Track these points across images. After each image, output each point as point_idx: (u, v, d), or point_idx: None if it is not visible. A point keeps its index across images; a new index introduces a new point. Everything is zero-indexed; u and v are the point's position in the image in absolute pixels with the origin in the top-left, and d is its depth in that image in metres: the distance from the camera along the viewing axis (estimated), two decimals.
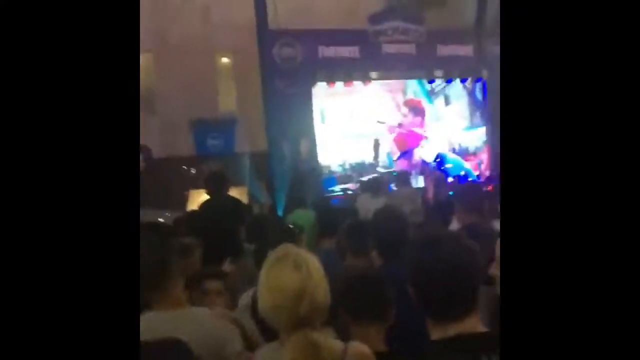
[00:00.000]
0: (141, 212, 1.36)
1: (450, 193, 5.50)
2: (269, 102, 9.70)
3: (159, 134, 10.43)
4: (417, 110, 12.43)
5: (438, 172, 9.87)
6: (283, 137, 9.65)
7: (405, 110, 12.43)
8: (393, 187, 8.04)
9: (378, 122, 12.11)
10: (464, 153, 11.96)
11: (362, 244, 2.81)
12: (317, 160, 10.20)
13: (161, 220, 6.20)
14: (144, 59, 9.88)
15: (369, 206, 5.40)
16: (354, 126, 12.08)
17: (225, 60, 11.80)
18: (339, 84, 10.41)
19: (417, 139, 12.24)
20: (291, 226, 3.87)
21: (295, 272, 1.66)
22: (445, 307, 1.52)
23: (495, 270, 1.80)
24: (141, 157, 7.67)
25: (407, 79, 11.78)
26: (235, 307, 2.91)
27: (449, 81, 11.51)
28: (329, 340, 1.70)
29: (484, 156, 11.54)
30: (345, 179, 11.20)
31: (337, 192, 10.42)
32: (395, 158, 12.08)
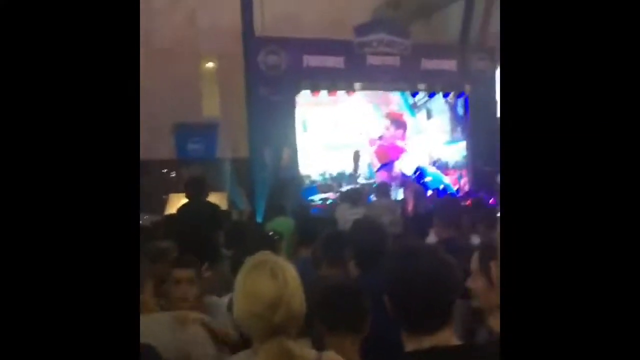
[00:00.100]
0: None
1: (430, 206, 5.53)
2: (253, 108, 9.69)
3: (141, 136, 10.33)
4: (398, 123, 12.50)
5: (418, 185, 9.92)
6: (265, 145, 9.63)
7: (387, 122, 12.50)
8: (372, 198, 8.06)
9: (360, 134, 12.17)
10: (443, 167, 12.04)
11: (338, 254, 2.81)
12: (298, 169, 10.19)
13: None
14: None
15: (347, 216, 5.41)
16: (336, 136, 12.11)
17: (210, 65, 11.77)
18: (323, 94, 10.43)
19: (397, 151, 12.30)
20: (270, 233, 3.86)
21: (272, 280, 1.65)
22: (420, 319, 1.52)
23: (471, 283, 1.82)
24: None
25: (390, 91, 11.84)
26: (208, 295, 2.89)
27: (431, 95, 11.60)
28: (302, 349, 1.69)
29: (464, 171, 11.63)
30: (326, 188, 11.19)
31: (317, 201, 10.41)
32: (375, 170, 12.13)
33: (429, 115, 12.53)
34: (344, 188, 9.60)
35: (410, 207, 7.61)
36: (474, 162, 11.28)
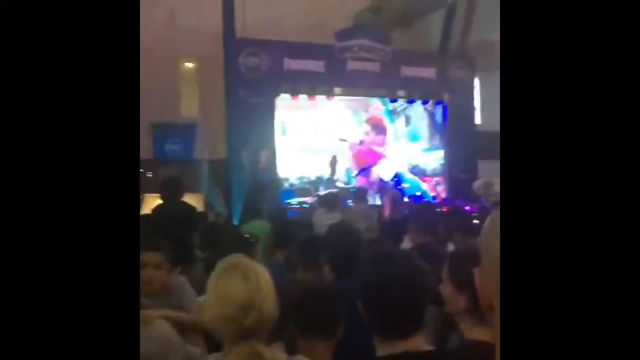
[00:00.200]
0: None
1: (407, 212, 5.56)
2: (232, 110, 9.66)
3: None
4: (379, 128, 12.56)
5: (395, 191, 9.96)
6: (243, 147, 9.60)
7: (367, 127, 12.55)
8: (350, 203, 8.07)
9: (340, 139, 12.19)
10: (421, 174, 12.13)
11: (314, 258, 2.80)
12: (276, 172, 10.17)
13: None
14: None
15: (323, 221, 5.41)
16: (315, 140, 12.12)
17: (189, 65, 11.69)
18: (303, 97, 10.44)
19: (376, 157, 12.35)
20: (246, 236, 3.84)
21: (244, 282, 1.64)
22: (393, 324, 1.53)
23: (442, 289, 1.82)
24: None
25: (370, 96, 11.90)
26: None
27: (410, 102, 11.68)
28: (273, 353, 1.68)
29: (441, 178, 11.72)
30: (303, 192, 11.19)
31: (294, 204, 10.40)
32: (353, 175, 12.16)
33: (407, 122, 12.61)
34: (322, 192, 9.60)
35: (387, 212, 7.64)
36: (451, 169, 11.38)
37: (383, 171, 12.12)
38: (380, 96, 11.80)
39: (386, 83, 10.81)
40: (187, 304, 2.75)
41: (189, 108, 11.31)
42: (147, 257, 2.62)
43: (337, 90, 10.57)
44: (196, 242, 4.63)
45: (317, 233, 3.79)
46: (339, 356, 2.03)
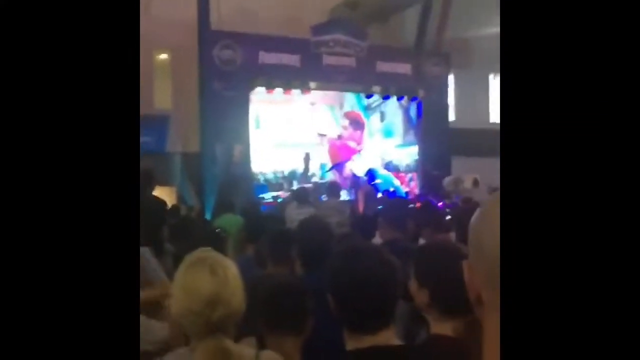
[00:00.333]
0: None
1: (379, 208, 5.58)
2: (205, 103, 9.57)
3: None
4: (357, 123, 12.59)
5: (369, 187, 10.01)
6: (217, 140, 9.53)
7: (345, 122, 12.56)
8: (323, 197, 8.08)
9: (319, 134, 12.18)
10: (395, 169, 12.19)
11: (284, 253, 2.79)
12: (250, 166, 10.12)
13: None
14: None
15: (294, 216, 5.39)
16: (290, 134, 12.09)
17: (163, 56, 11.55)
18: (278, 91, 10.40)
19: (349, 152, 12.38)
20: (217, 230, 3.80)
21: (211, 277, 1.61)
22: (363, 319, 1.53)
23: (410, 284, 1.83)
24: None
25: (345, 91, 11.91)
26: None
27: (385, 97, 11.72)
28: (240, 347, 1.66)
29: (415, 174, 11.80)
30: (277, 186, 11.18)
31: (267, 199, 10.37)
32: (327, 169, 12.18)
33: (382, 118, 12.66)
34: (295, 187, 9.59)
35: (360, 208, 7.67)
36: (424, 165, 11.47)
37: (356, 166, 12.15)
38: (356, 91, 11.83)
39: (361, 78, 10.84)
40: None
41: (162, 100, 11.18)
42: None
43: (312, 84, 10.55)
44: (166, 236, 4.58)
45: (288, 228, 3.77)
46: (308, 351, 2.02)
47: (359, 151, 12.46)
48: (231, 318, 1.63)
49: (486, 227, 0.80)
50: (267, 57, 10.04)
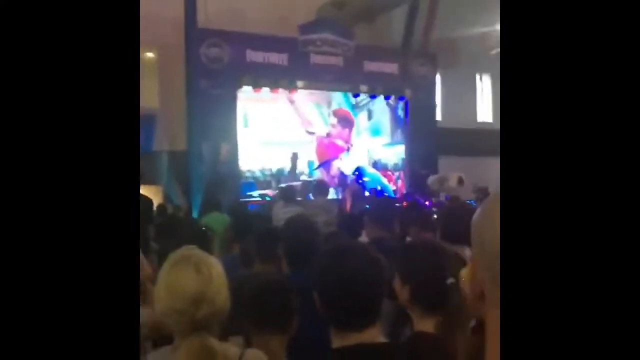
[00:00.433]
0: None
1: (366, 206, 5.59)
2: (192, 101, 9.53)
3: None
4: (346, 120, 12.59)
5: (356, 185, 10.02)
6: (204, 138, 9.49)
7: (334, 120, 12.56)
8: (311, 196, 8.07)
9: (307, 132, 12.17)
10: (382, 168, 12.22)
11: (271, 251, 2.78)
12: (237, 165, 10.09)
13: None
14: None
15: (281, 214, 5.38)
16: (277, 133, 12.06)
17: (149, 55, 11.47)
18: (265, 90, 10.38)
19: (337, 150, 12.38)
20: (203, 229, 3.79)
21: (196, 275, 1.60)
22: (349, 316, 1.53)
23: (395, 283, 1.83)
24: None
25: (333, 90, 11.91)
26: None
27: (373, 97, 11.74)
28: (224, 346, 1.65)
29: (402, 173, 11.83)
30: (265, 185, 11.15)
31: (255, 197, 10.35)
32: (314, 167, 12.17)
33: (370, 117, 12.68)
34: (282, 185, 9.57)
35: (348, 206, 7.67)
36: (411, 164, 11.50)
37: (344, 165, 12.16)
38: (344, 90, 11.84)
39: (349, 77, 10.85)
40: None
41: (149, 98, 11.08)
42: None
43: (299, 83, 10.54)
44: (152, 234, 4.57)
45: (273, 226, 3.77)
46: (293, 349, 2.02)
47: (347, 149, 12.46)
48: (216, 316, 1.62)
49: (488, 224, 0.81)
50: (254, 56, 10.02)
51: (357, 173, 11.45)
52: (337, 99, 12.63)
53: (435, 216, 4.72)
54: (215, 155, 9.50)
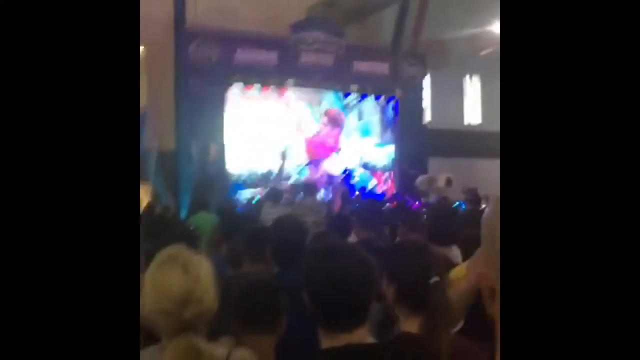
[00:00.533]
0: None
1: (356, 206, 5.59)
2: (181, 100, 9.48)
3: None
4: (336, 121, 12.57)
5: (345, 186, 10.03)
6: (193, 138, 9.45)
7: (324, 120, 12.53)
8: (300, 197, 8.06)
9: (297, 131, 12.13)
10: (372, 169, 12.22)
11: (259, 251, 2.78)
12: (226, 164, 10.05)
13: None
14: None
15: (269, 215, 5.38)
16: (267, 133, 12.02)
17: None
18: (255, 89, 10.34)
19: (327, 150, 12.36)
20: (192, 228, 3.77)
21: (183, 274, 1.59)
22: (338, 316, 1.52)
23: (384, 286, 1.84)
24: None
25: (323, 89, 11.89)
26: None
27: (363, 96, 11.74)
28: (211, 346, 1.64)
29: (391, 173, 11.85)
30: (253, 185, 11.11)
31: (243, 198, 10.31)
32: (303, 165, 12.14)
33: (360, 117, 12.68)
34: (271, 186, 9.55)
35: (337, 207, 7.68)
36: (401, 165, 11.52)
37: (333, 165, 12.15)
38: (334, 89, 11.81)
39: (339, 77, 10.85)
40: None
41: None
42: None
43: (290, 82, 10.51)
44: (140, 234, 4.53)
45: (261, 226, 3.76)
46: (282, 350, 2.01)
47: (337, 150, 12.45)
48: (203, 316, 1.60)
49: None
50: (244, 55, 9.98)
51: (346, 173, 11.45)
52: (328, 99, 12.61)
53: (425, 217, 4.73)
54: (204, 155, 9.47)
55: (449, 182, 9.25)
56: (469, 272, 2.22)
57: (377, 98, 11.69)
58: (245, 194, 10.51)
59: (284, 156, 11.30)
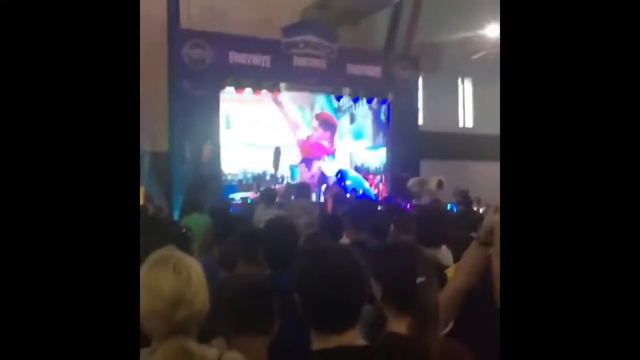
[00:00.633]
0: None
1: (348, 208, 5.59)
2: (175, 102, 9.46)
3: None
4: (327, 124, 12.59)
5: (338, 188, 10.03)
6: (186, 140, 9.43)
7: (315, 123, 12.55)
8: (292, 198, 8.05)
9: (289, 132, 12.14)
10: (365, 171, 12.24)
11: (253, 253, 2.77)
12: (219, 166, 10.04)
13: None
14: None
15: (262, 217, 5.37)
16: (259, 135, 12.03)
17: None
18: (248, 91, 10.34)
19: (321, 151, 12.38)
20: (183, 230, 3.76)
21: (175, 276, 1.58)
22: (329, 318, 1.52)
23: (373, 289, 1.84)
24: None
25: (315, 93, 11.91)
26: None
27: (355, 100, 11.75)
28: (202, 348, 1.63)
29: (383, 176, 11.86)
30: (246, 187, 11.10)
31: (236, 199, 10.30)
32: (296, 162, 12.14)
33: (352, 120, 12.70)
34: (263, 187, 9.54)
35: (329, 209, 7.67)
36: (393, 168, 11.53)
37: (326, 166, 12.16)
38: (326, 93, 11.84)
39: (332, 80, 10.85)
40: None
41: None
42: None
43: (282, 85, 10.52)
44: None
45: (254, 228, 3.76)
46: (274, 352, 2.01)
47: (332, 152, 12.47)
48: (194, 318, 1.60)
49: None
50: (237, 57, 9.98)
51: (339, 175, 11.46)
52: (320, 102, 12.63)
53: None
54: (197, 157, 9.44)
55: (440, 184, 9.25)
56: (457, 273, 2.23)
57: (369, 101, 11.71)
58: (238, 196, 10.50)
59: (277, 154, 11.27)
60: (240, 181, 11.35)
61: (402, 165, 11.30)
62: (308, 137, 12.41)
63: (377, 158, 12.10)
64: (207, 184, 9.08)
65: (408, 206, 8.32)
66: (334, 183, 10.98)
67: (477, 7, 11.38)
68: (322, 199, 9.88)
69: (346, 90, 11.13)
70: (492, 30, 11.47)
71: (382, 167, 11.94)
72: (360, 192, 11.03)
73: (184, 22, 9.54)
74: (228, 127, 11.30)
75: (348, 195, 9.69)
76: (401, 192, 10.24)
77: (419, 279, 1.74)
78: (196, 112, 9.35)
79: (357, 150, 12.60)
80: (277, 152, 11.24)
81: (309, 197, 7.70)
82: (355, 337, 1.54)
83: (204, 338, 1.73)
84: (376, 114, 12.04)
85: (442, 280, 2.22)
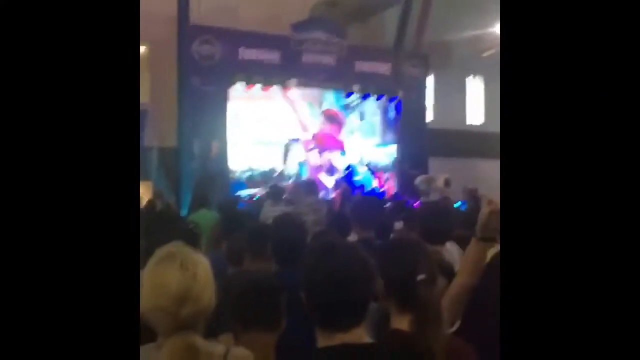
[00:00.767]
0: None
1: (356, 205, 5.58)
2: (184, 98, 9.48)
3: None
4: (333, 119, 12.55)
5: (346, 184, 10.02)
6: (194, 136, 9.45)
7: (322, 119, 12.53)
8: (300, 195, 8.05)
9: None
10: (373, 168, 12.22)
11: (261, 249, 2.78)
12: (227, 163, 10.05)
13: None
14: None
15: (270, 213, 5.37)
16: (268, 131, 12.02)
17: (141, 50, 11.40)
18: (257, 88, 10.34)
19: (333, 142, 12.34)
20: (191, 226, 3.77)
21: (182, 272, 1.58)
22: (335, 316, 1.52)
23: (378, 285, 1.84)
24: None
25: (325, 89, 11.88)
26: None
27: (365, 97, 11.72)
28: (209, 344, 1.63)
29: (392, 173, 11.84)
30: (254, 184, 11.11)
31: (244, 196, 10.31)
32: (309, 148, 12.09)
33: (361, 117, 12.67)
34: (272, 184, 9.55)
35: (337, 206, 7.67)
36: (402, 165, 11.51)
37: (337, 159, 12.13)
38: (335, 89, 11.80)
39: (341, 77, 10.83)
40: None
41: (140, 94, 10.99)
42: None
43: (291, 82, 10.51)
44: (140, 231, 4.53)
45: (262, 224, 3.76)
46: (281, 348, 2.01)
47: (343, 147, 12.43)
48: (201, 314, 1.60)
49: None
50: (246, 54, 9.99)
51: (348, 171, 11.45)
52: (329, 99, 12.61)
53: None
54: (206, 153, 9.46)
55: (447, 182, 9.22)
56: (459, 272, 2.22)
57: (379, 98, 11.67)
58: (246, 192, 10.51)
59: (287, 150, 11.25)
60: (249, 178, 11.36)
61: (411, 162, 11.28)
62: (314, 136, 12.39)
63: (386, 155, 12.08)
64: (215, 180, 9.10)
65: (416, 204, 8.30)
66: (342, 180, 10.96)
67: (487, 5, 11.32)
68: (330, 195, 9.88)
69: (356, 87, 11.11)
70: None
71: (391, 164, 11.91)
72: (368, 188, 11.01)
73: (194, 19, 9.55)
74: (237, 123, 11.28)
75: (357, 191, 9.68)
76: (410, 189, 10.21)
77: (420, 276, 1.74)
78: (205, 108, 9.37)
79: (366, 147, 12.57)
80: (287, 149, 11.23)
81: (317, 194, 7.70)
82: (361, 335, 1.53)
83: (211, 334, 1.73)
84: (385, 111, 12.01)
85: (451, 279, 2.21)
